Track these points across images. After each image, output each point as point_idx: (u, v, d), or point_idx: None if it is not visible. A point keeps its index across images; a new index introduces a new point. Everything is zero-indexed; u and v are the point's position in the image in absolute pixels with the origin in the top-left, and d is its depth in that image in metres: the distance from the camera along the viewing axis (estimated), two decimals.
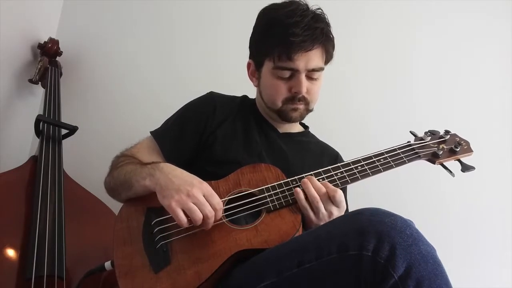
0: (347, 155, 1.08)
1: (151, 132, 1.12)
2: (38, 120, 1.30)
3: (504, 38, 1.54)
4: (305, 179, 0.90)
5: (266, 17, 1.08)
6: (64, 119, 1.43)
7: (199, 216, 0.81)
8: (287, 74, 1.03)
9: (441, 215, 1.47)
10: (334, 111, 1.57)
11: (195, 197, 0.82)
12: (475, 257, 1.44)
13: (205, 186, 0.86)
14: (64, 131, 1.37)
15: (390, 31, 1.61)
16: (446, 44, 1.57)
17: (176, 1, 1.73)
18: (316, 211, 0.87)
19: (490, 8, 1.54)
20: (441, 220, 1.46)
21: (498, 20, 1.54)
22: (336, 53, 1.09)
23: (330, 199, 0.87)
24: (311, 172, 0.93)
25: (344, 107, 1.61)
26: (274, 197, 0.90)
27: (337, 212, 0.88)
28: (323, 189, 0.87)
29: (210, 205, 0.83)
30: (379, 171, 0.94)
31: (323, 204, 0.86)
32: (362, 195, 0.90)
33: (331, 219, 0.86)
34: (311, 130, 1.26)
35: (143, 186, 0.91)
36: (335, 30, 1.07)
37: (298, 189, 0.89)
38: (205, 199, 0.83)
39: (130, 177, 0.94)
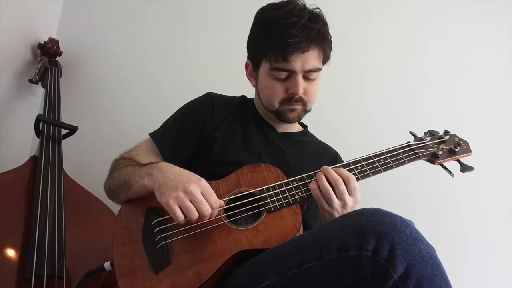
0: (347, 155, 1.08)
1: (149, 134, 1.12)
2: (38, 120, 1.29)
3: (503, 37, 1.54)
4: (320, 172, 0.90)
5: (263, 18, 1.07)
6: (64, 119, 1.43)
7: (195, 215, 0.81)
8: (283, 75, 1.03)
9: (441, 216, 1.47)
10: (333, 111, 1.57)
11: (193, 194, 0.82)
12: (475, 257, 1.44)
13: (203, 183, 0.85)
14: (64, 131, 1.37)
15: (390, 30, 1.61)
16: (445, 44, 1.57)
17: (174, 2, 1.73)
18: (329, 202, 0.87)
19: (490, 8, 1.54)
20: (440, 220, 1.46)
21: (499, 21, 1.54)
22: (335, 52, 1.09)
23: (347, 187, 0.87)
24: (311, 172, 0.93)
25: (344, 107, 1.61)
26: (274, 198, 0.90)
27: (351, 203, 0.87)
28: (340, 180, 0.87)
29: (208, 203, 0.83)
30: (379, 171, 0.94)
31: (335, 194, 0.86)
32: (362, 195, 0.90)
33: (346, 209, 0.87)
34: (310, 130, 1.27)
35: (142, 186, 0.91)
36: (333, 30, 1.06)
37: (314, 180, 0.89)
38: (203, 196, 0.83)
39: (129, 178, 0.94)
